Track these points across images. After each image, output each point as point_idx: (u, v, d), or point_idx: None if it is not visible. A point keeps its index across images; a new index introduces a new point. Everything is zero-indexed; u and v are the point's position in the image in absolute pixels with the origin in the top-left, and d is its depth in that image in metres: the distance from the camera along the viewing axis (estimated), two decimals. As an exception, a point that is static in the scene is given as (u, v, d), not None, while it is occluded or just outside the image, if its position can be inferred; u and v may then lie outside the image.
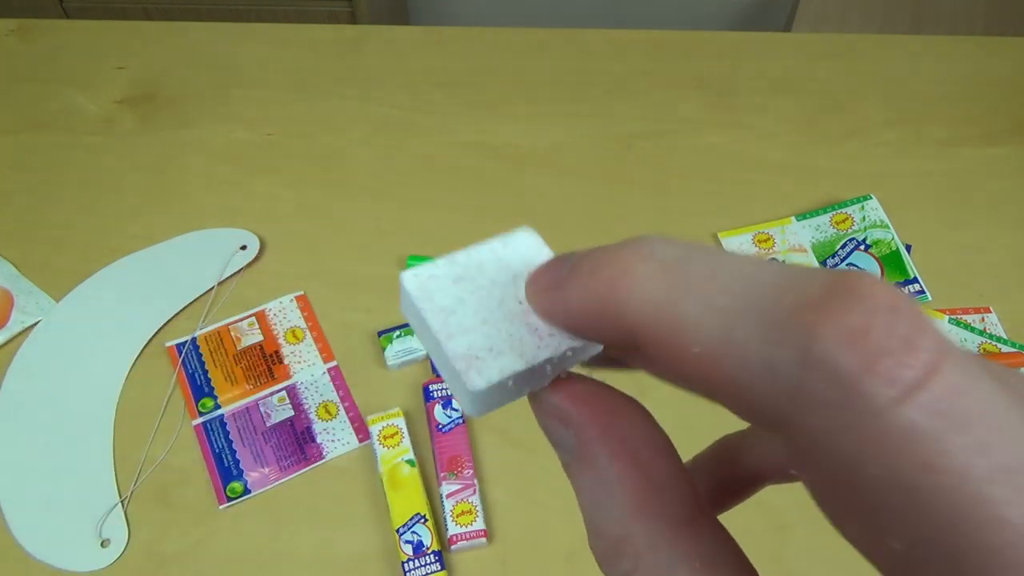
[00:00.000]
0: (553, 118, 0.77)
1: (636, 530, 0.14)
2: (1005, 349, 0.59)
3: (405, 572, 0.51)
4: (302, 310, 0.64)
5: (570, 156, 0.74)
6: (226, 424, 0.59)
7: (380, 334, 0.62)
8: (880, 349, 0.11)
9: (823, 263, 0.66)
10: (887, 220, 0.69)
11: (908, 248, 0.67)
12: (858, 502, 0.12)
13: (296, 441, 0.58)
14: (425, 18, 1.81)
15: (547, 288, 0.16)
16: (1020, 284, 0.66)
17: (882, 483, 0.11)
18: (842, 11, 1.35)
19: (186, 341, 0.62)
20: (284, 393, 0.60)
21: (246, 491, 0.56)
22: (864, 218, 0.69)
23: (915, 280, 0.65)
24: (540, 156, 0.74)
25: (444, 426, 0.57)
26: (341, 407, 0.59)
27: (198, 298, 0.65)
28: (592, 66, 0.82)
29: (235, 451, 0.57)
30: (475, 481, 0.55)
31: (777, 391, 0.12)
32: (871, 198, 0.70)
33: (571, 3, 1.76)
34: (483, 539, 0.53)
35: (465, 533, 0.53)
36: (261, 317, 0.64)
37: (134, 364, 0.61)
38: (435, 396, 0.58)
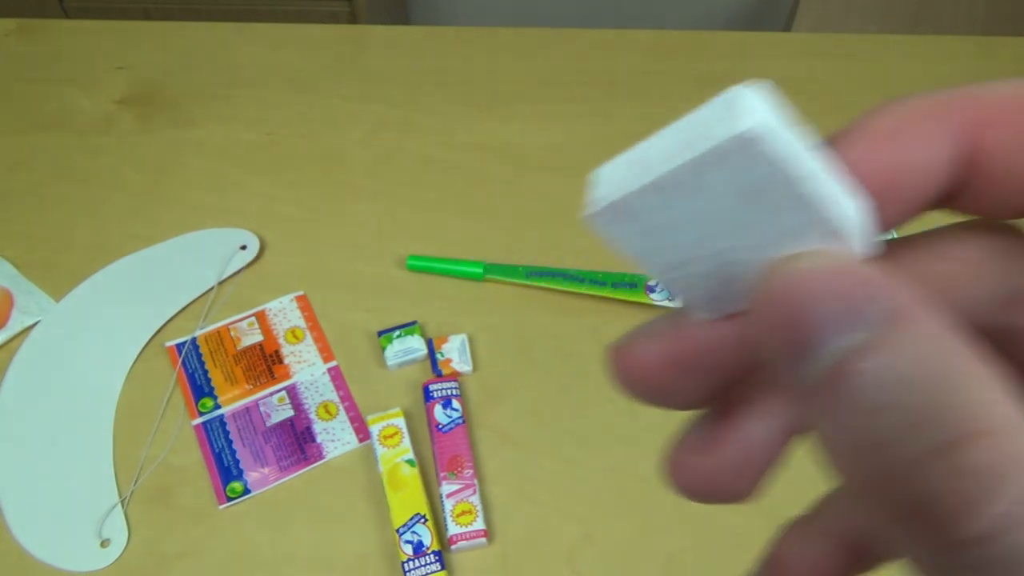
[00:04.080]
0: (553, 118, 0.77)
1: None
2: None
3: (405, 572, 0.51)
4: (302, 310, 0.64)
5: (570, 156, 0.74)
6: (226, 424, 0.59)
7: (380, 334, 0.62)
8: None
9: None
10: (887, 220, 0.69)
11: (908, 248, 0.67)
12: None
13: (296, 441, 0.58)
14: (425, 18, 1.82)
15: None
16: (1020, 284, 0.66)
17: None
18: (842, 11, 1.35)
19: (186, 341, 0.62)
20: (284, 393, 0.60)
21: (246, 491, 0.56)
22: (864, 218, 0.69)
23: (915, 280, 0.65)
24: (540, 156, 0.74)
25: (444, 426, 0.57)
26: (341, 407, 0.59)
27: (198, 298, 0.65)
28: (592, 66, 0.82)
29: (235, 451, 0.57)
30: (475, 481, 0.55)
31: None
32: (871, 198, 0.70)
33: (571, 3, 1.76)
34: (483, 539, 0.53)
35: (465, 533, 0.53)
36: (261, 317, 0.64)
37: (134, 364, 0.61)
38: (435, 396, 0.58)
